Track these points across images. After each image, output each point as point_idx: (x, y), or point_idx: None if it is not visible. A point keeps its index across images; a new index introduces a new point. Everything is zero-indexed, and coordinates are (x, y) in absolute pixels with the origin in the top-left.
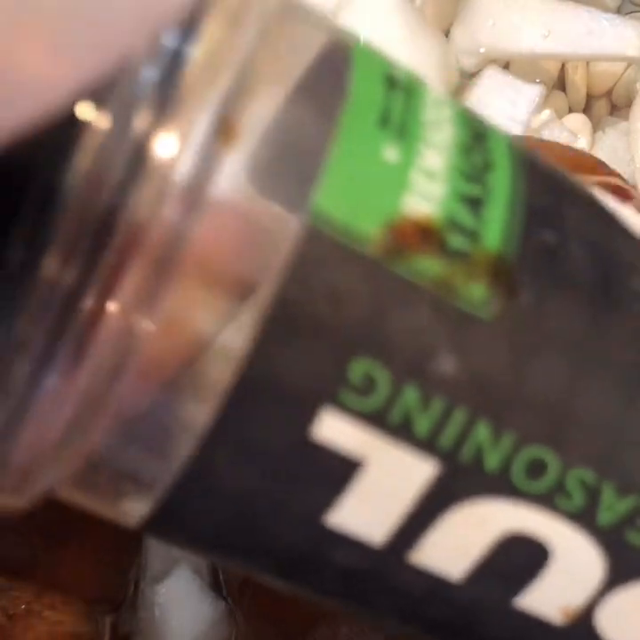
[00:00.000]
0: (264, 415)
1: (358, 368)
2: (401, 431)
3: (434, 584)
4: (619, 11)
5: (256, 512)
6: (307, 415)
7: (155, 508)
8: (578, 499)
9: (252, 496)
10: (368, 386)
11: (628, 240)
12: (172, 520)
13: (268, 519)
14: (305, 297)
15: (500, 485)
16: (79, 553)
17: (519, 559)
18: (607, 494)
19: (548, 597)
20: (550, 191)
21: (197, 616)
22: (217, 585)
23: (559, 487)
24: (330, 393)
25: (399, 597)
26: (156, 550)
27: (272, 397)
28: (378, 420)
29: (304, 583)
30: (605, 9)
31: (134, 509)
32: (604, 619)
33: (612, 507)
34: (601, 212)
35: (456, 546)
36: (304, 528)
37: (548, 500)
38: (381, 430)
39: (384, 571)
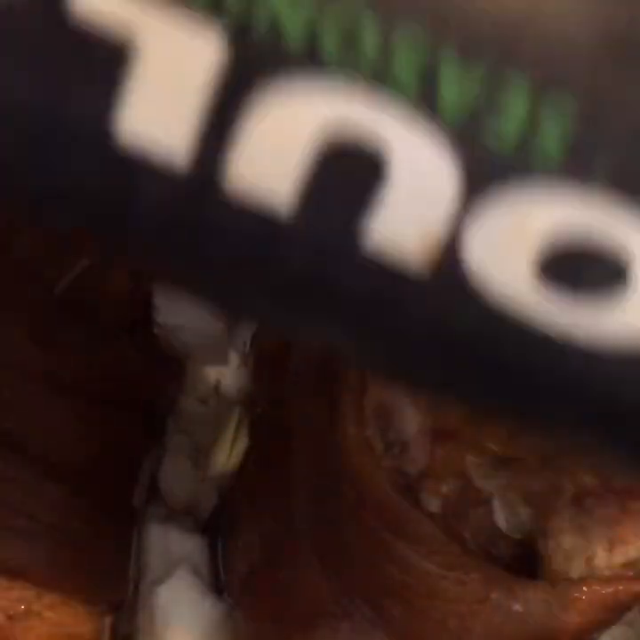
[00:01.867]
0: None
1: None
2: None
3: (262, 226)
4: None
5: (36, 133)
6: None
7: None
8: (410, 74)
9: (28, 109)
10: None
11: None
12: None
13: (52, 137)
14: None
15: (309, 64)
16: (79, 553)
17: (351, 172)
18: (449, 64)
19: (396, 229)
20: None
21: (197, 616)
22: (217, 585)
23: (384, 61)
24: None
25: (232, 249)
26: (156, 552)
27: None
28: None
29: (119, 233)
30: None
31: None
32: (470, 260)
33: (459, 83)
34: None
35: (271, 162)
36: (95, 153)
37: (374, 80)
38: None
39: (202, 210)
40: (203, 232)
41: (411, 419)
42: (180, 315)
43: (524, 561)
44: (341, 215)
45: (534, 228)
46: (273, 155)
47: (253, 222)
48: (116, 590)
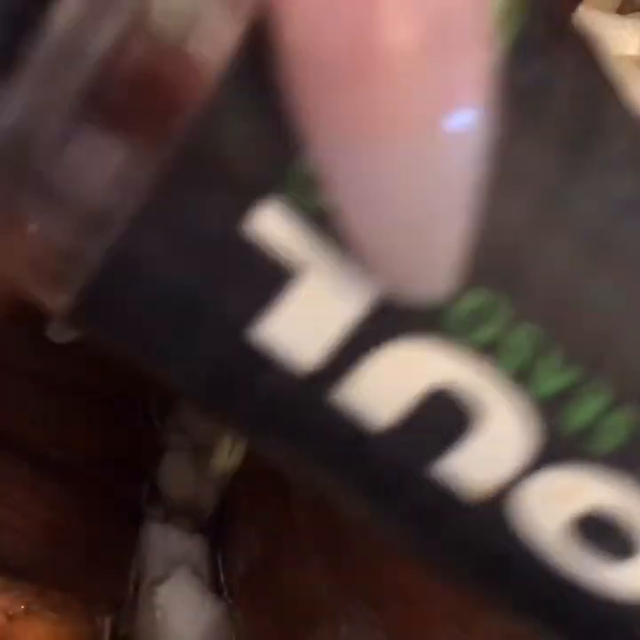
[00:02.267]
0: (202, 197)
1: (307, 163)
2: (342, 244)
3: (355, 430)
4: (619, 11)
5: (182, 312)
6: (246, 204)
7: (78, 297)
8: (520, 358)
9: (180, 293)
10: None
11: (619, 106)
12: (96, 311)
13: (194, 322)
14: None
15: (438, 329)
16: (79, 553)
17: (447, 418)
18: (553, 359)
19: (468, 468)
20: (550, 24)
21: (197, 616)
22: (217, 585)
23: (502, 340)
24: (276, 183)
25: (320, 441)
26: (156, 552)
27: (212, 177)
28: (322, 224)
29: (226, 407)
30: (605, 9)
31: (59, 295)
32: (519, 503)
33: (556, 375)
34: (598, 68)
35: (382, 391)
36: (229, 340)
37: (487, 352)
38: (324, 238)
39: (308, 406)
40: (301, 423)
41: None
42: None
43: None
44: (426, 446)
45: (581, 499)
46: (385, 390)
47: (348, 429)
48: (116, 590)
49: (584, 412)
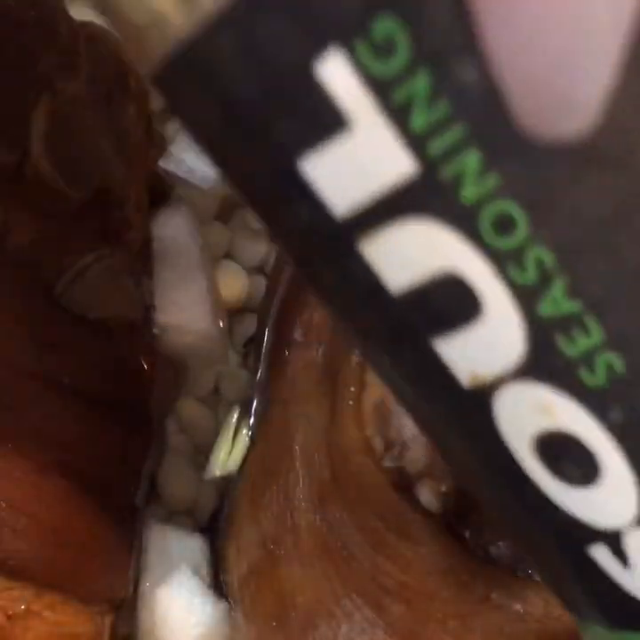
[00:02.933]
0: (283, 24)
1: (383, 26)
2: (397, 114)
3: (374, 284)
4: None
5: (245, 122)
6: (321, 45)
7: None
8: (529, 276)
9: (245, 103)
10: (386, 48)
11: None
12: (182, 78)
13: (252, 137)
14: None
15: (466, 223)
16: (79, 553)
17: (453, 302)
18: (557, 287)
19: (463, 354)
20: None
21: (197, 616)
22: (217, 585)
23: (516, 254)
24: (346, 35)
25: (343, 281)
26: (157, 551)
27: (299, 8)
28: (381, 89)
29: (269, 218)
30: None
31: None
32: (502, 401)
33: (556, 302)
34: None
35: (402, 257)
36: (280, 160)
37: (502, 260)
38: (380, 101)
39: (336, 248)
40: (329, 263)
41: (411, 418)
42: (180, 315)
43: (525, 561)
44: (431, 320)
45: (550, 418)
46: (404, 258)
47: (369, 280)
48: (116, 590)
49: (573, 344)
